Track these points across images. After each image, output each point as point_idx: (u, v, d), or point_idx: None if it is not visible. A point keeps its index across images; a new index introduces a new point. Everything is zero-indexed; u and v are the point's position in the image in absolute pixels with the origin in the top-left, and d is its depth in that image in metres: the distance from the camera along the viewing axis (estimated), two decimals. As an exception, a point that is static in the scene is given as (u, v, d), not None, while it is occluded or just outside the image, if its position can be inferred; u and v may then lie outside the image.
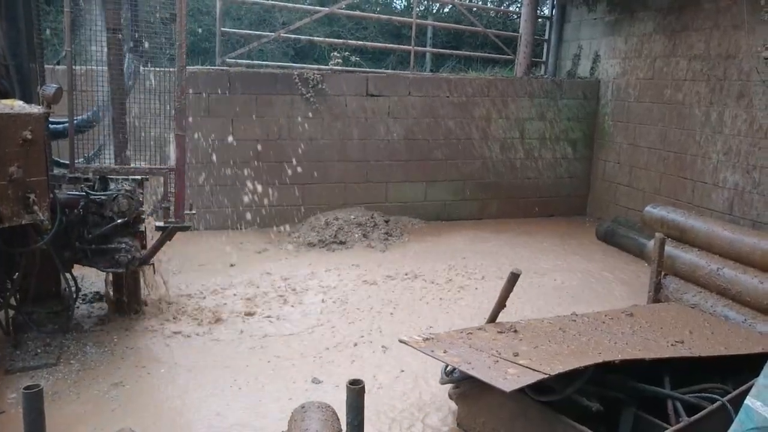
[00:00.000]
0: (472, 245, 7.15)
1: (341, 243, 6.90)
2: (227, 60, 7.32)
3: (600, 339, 3.34)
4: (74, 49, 4.28)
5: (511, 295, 3.60)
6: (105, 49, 4.43)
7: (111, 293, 4.72)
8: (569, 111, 8.57)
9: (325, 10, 8.06)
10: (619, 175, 8.25)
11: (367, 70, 8.06)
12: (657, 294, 4.89)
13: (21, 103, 3.56)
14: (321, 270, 6.06)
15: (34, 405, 1.85)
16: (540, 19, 9.98)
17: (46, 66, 4.62)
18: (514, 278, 3.50)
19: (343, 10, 8.36)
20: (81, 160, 4.45)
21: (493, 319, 3.62)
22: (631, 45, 7.98)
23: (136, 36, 4.60)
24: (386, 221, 7.48)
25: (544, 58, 9.74)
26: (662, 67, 7.44)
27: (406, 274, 6.04)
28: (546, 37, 9.71)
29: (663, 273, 4.92)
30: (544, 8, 10.24)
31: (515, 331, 3.40)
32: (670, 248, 4.97)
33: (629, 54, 8.01)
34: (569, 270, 6.39)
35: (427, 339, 3.28)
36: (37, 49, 4.33)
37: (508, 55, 9.38)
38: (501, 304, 3.59)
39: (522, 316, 4.11)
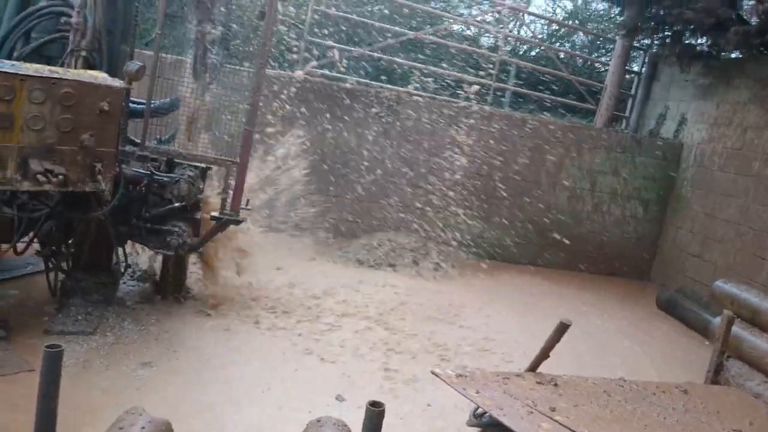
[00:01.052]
0: (523, 291, 6.90)
1: (390, 266, 6.80)
2: (309, 68, 7.44)
3: (648, 411, 3.09)
4: (166, 39, 4.42)
5: (557, 347, 3.39)
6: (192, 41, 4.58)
7: (157, 274, 4.79)
8: (645, 170, 8.23)
9: (411, 33, 8.11)
10: (691, 244, 7.81)
11: (444, 97, 8.02)
12: (716, 375, 4.51)
13: (105, 75, 3.68)
14: (365, 289, 5.97)
15: (53, 365, 1.82)
16: (628, 75, 9.72)
17: (136, 51, 4.80)
18: (562, 328, 3.30)
19: (429, 36, 8.39)
20: (154, 141, 4.57)
21: (534, 368, 3.42)
22: (722, 111, 7.61)
23: (225, 32, 4.73)
24: (439, 252, 7.33)
25: (627, 113, 9.45)
26: (753, 138, 7.05)
27: (449, 308, 5.86)
28: (632, 92, 9.43)
29: (726, 354, 4.55)
30: (635, 64, 9.98)
31: (556, 385, 3.20)
32: (737, 329, 4.59)
33: (719, 120, 7.64)
34: (622, 333, 6.04)
35: (460, 375, 3.12)
36: (132, 32, 4.49)
37: (590, 105, 9.15)
38: (545, 354, 3.39)
39: (564, 371, 3.87)
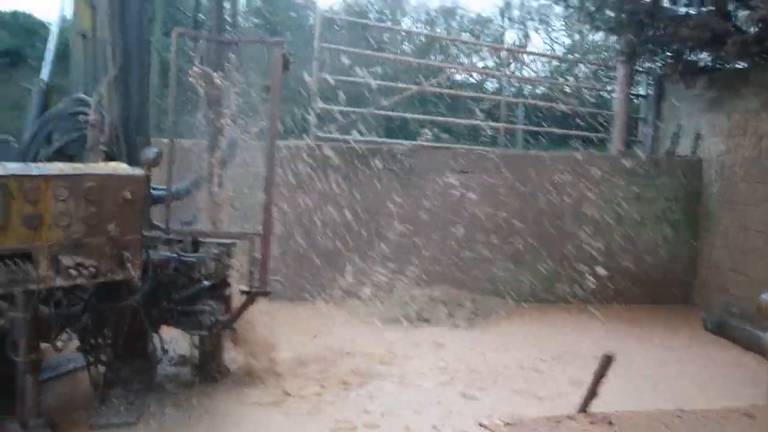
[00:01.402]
0: (563, 330, 6.73)
1: (425, 320, 6.72)
2: (320, 135, 7.60)
3: (711, 439, 2.94)
4: (180, 125, 4.60)
5: (607, 384, 3.27)
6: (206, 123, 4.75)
7: (195, 356, 4.79)
8: (669, 191, 8.12)
9: (415, 88, 8.28)
10: (727, 260, 7.59)
11: (456, 146, 8.10)
12: (778, 393, 4.31)
13: (125, 166, 3.80)
14: (403, 347, 5.88)
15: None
16: (636, 99, 9.76)
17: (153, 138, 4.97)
18: (607, 362, 3.19)
19: (433, 88, 8.56)
20: (178, 224, 4.66)
21: (584, 407, 3.29)
22: (735, 122, 7.55)
23: (235, 110, 4.90)
24: (473, 300, 7.23)
25: (640, 137, 9.43)
26: (771, 145, 6.96)
27: (491, 357, 5.73)
28: (642, 115, 9.44)
29: (785, 369, 4.35)
30: (640, 88, 10.02)
31: (610, 423, 3.06)
32: (791, 341, 4.41)
33: (733, 132, 7.57)
34: (673, 362, 5.83)
35: (508, 424, 3.01)
36: (146, 122, 4.66)
37: (602, 134, 9.16)
38: (593, 392, 3.26)
39: (617, 407, 3.72)
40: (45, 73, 4.69)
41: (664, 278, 8.12)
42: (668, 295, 8.09)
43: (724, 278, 7.62)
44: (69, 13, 4.64)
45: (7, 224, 3.18)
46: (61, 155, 4.22)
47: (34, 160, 4.17)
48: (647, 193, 8.07)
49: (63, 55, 6.03)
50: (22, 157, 4.17)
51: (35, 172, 3.40)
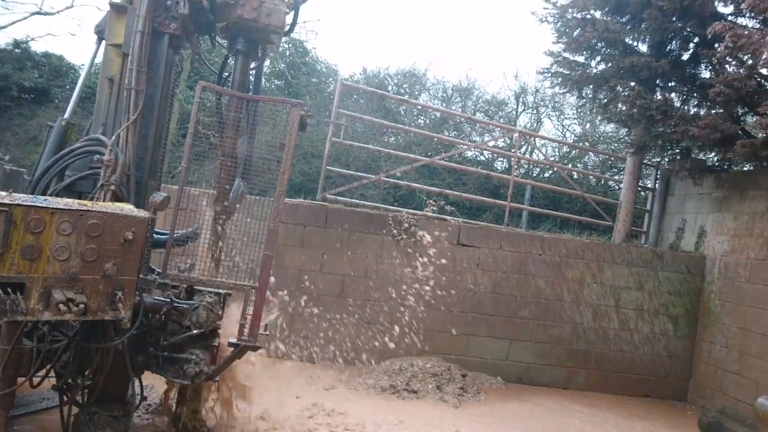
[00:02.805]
0: (554, 417, 6.54)
1: (413, 392, 6.55)
2: (327, 195, 7.69)
3: None
4: (193, 174, 4.67)
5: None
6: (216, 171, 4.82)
7: (173, 406, 4.66)
8: (670, 284, 8.08)
9: (425, 159, 8.43)
10: (726, 360, 7.45)
11: (460, 219, 8.15)
12: (773, 505, 4.12)
13: (131, 207, 3.83)
14: (385, 419, 5.71)
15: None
16: (642, 191, 9.87)
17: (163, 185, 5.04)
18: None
19: (443, 162, 8.70)
20: (175, 270, 4.65)
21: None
22: (741, 223, 7.60)
23: (248, 162, 4.98)
24: (463, 376, 7.09)
25: (645, 228, 9.48)
26: (777, 249, 6.96)
27: (477, 436, 5.56)
28: (648, 207, 9.52)
29: (781, 480, 4.18)
30: (648, 180, 10.17)
31: None
32: (789, 451, 4.26)
33: (739, 232, 7.60)
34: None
35: None
36: (159, 167, 4.75)
37: (607, 221, 9.21)
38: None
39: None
40: (67, 112, 4.83)
41: (659, 372, 7.98)
42: (662, 389, 7.94)
43: (720, 378, 7.46)
44: (99, 58, 4.82)
45: (6, 253, 3.19)
46: (70, 191, 4.27)
47: (44, 193, 4.24)
48: (648, 285, 8.04)
49: (86, 97, 6.23)
50: (32, 189, 4.24)
51: (42, 204, 3.44)
